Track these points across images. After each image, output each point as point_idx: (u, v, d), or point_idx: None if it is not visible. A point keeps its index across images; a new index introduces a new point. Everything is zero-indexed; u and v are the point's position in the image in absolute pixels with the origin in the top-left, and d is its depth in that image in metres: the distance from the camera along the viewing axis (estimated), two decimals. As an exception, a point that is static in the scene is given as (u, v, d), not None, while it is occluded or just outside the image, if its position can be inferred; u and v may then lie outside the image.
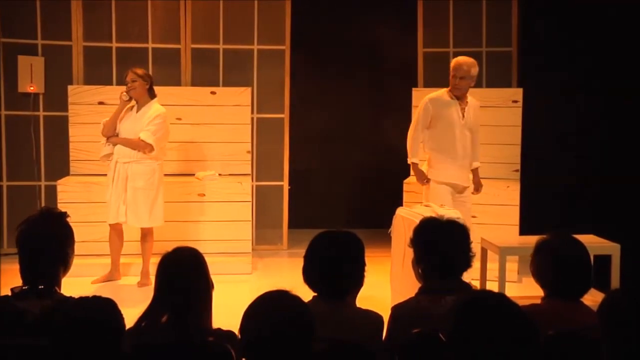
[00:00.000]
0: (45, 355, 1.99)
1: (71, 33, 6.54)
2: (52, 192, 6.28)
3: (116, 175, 5.43)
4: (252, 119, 6.68)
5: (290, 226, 6.94)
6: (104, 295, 2.13)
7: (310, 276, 2.58)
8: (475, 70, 5.13)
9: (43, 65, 6.49)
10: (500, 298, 1.98)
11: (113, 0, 6.56)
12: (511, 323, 1.89)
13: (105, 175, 5.60)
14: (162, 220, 5.59)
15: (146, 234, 5.58)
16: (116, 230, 5.56)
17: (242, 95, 6.50)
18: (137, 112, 5.48)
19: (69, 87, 6.36)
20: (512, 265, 5.34)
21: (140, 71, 5.50)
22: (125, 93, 5.45)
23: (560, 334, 2.39)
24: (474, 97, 5.39)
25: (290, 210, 6.92)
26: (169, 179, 6.28)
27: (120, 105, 5.48)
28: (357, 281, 2.61)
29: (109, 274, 5.60)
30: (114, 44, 6.63)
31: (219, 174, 6.36)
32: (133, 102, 5.49)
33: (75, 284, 5.16)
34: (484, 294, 2.08)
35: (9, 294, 2.54)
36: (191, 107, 6.48)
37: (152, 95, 5.50)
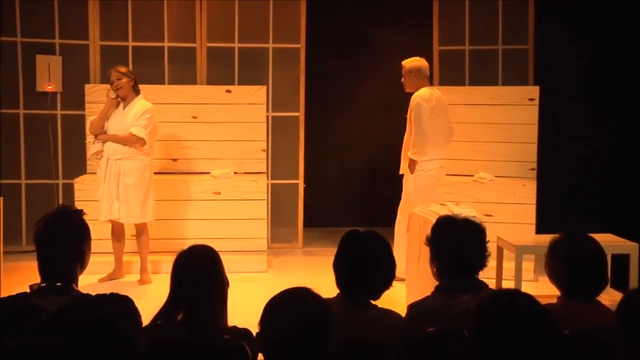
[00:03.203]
0: (63, 352, 2.00)
1: (88, 32, 6.59)
2: (69, 190, 6.33)
3: (108, 172, 5.45)
4: (267, 117, 6.69)
5: (305, 224, 6.94)
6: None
7: (340, 278, 2.56)
8: (409, 66, 5.62)
9: (61, 64, 6.54)
10: (525, 297, 1.97)
11: (129, -1, 6.61)
12: (535, 322, 1.88)
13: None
14: (153, 216, 5.61)
15: (141, 231, 5.60)
16: (117, 229, 5.61)
17: (257, 94, 6.51)
18: (123, 108, 5.51)
19: (86, 86, 6.41)
20: (528, 264, 5.31)
21: (123, 69, 5.53)
22: (112, 91, 5.48)
23: (576, 334, 2.37)
24: (487, 95, 5.80)
25: (305, 208, 6.92)
26: (185, 177, 6.31)
27: (107, 103, 5.51)
28: (386, 283, 2.60)
29: (112, 272, 5.65)
30: (130, 43, 6.67)
31: (234, 172, 6.38)
32: (119, 100, 5.52)
33: (90, 280, 5.25)
34: (509, 292, 2.07)
35: (28, 291, 2.56)
36: (206, 106, 6.50)
37: (137, 91, 5.53)
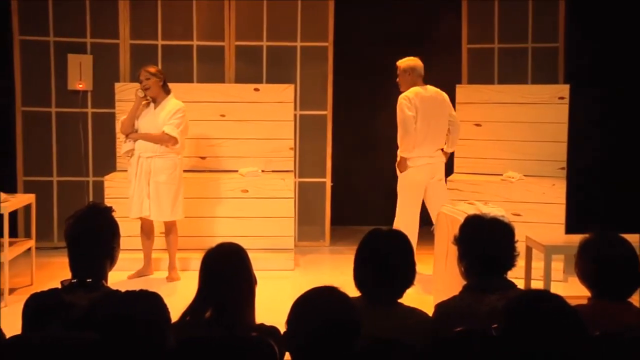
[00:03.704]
0: (93, 347, 2.03)
1: (119, 31, 6.66)
2: (99, 187, 6.41)
3: (139, 170, 5.50)
4: (295, 115, 6.71)
5: (332, 223, 6.94)
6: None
7: (360, 277, 2.56)
8: (404, 66, 5.72)
9: (91, 63, 6.62)
10: (553, 297, 1.96)
11: (159, -2, 6.68)
12: (564, 322, 1.86)
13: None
14: (182, 214, 5.66)
15: (170, 228, 5.65)
16: (146, 226, 5.66)
17: (285, 92, 6.53)
18: (155, 108, 5.55)
19: (116, 85, 6.48)
20: (557, 265, 5.26)
21: (152, 69, 5.57)
22: (140, 90, 5.52)
23: (607, 335, 2.34)
24: (516, 93, 6.03)
25: (333, 207, 6.93)
26: (213, 175, 6.35)
27: (136, 103, 5.56)
28: (408, 281, 2.59)
29: (142, 269, 5.70)
30: (160, 42, 6.73)
31: (262, 171, 6.40)
32: (148, 99, 5.56)
33: (119, 277, 5.31)
34: (537, 292, 2.05)
35: (59, 286, 2.60)
36: (235, 104, 6.54)
37: (167, 90, 5.57)
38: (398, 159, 5.70)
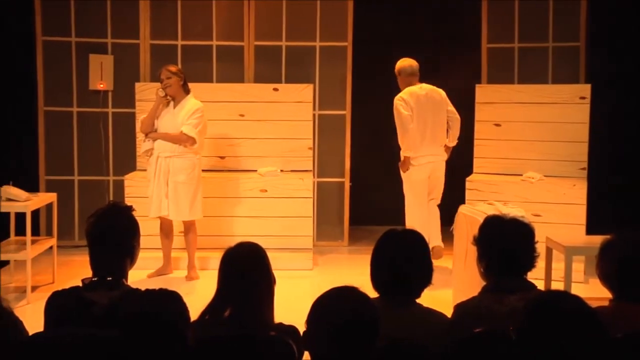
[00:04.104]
0: (113, 345, 2.05)
1: (139, 31, 6.71)
2: (119, 186, 6.45)
3: (157, 170, 5.53)
4: (314, 115, 6.71)
5: (351, 223, 6.94)
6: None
7: (378, 278, 2.56)
8: (396, 68, 5.90)
9: (112, 63, 6.67)
10: (572, 298, 1.94)
11: (179, -1, 6.71)
12: (582, 324, 1.85)
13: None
14: (201, 214, 5.68)
15: (189, 227, 5.67)
16: (165, 226, 5.69)
17: (304, 92, 6.54)
18: (174, 107, 5.58)
19: (137, 84, 6.52)
20: (578, 266, 5.21)
21: (173, 68, 5.60)
22: (161, 89, 5.55)
23: (628, 337, 2.32)
24: (536, 93, 6.12)
25: (351, 206, 6.92)
26: (232, 174, 6.37)
27: (156, 102, 5.59)
28: (425, 281, 2.58)
29: (161, 268, 5.74)
30: (180, 42, 6.76)
31: (281, 170, 6.42)
32: (169, 98, 5.58)
33: (139, 276, 5.35)
34: (556, 293, 2.04)
35: (80, 284, 2.63)
36: (254, 104, 6.55)
37: (186, 90, 5.59)
38: (401, 159, 5.83)
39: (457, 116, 5.95)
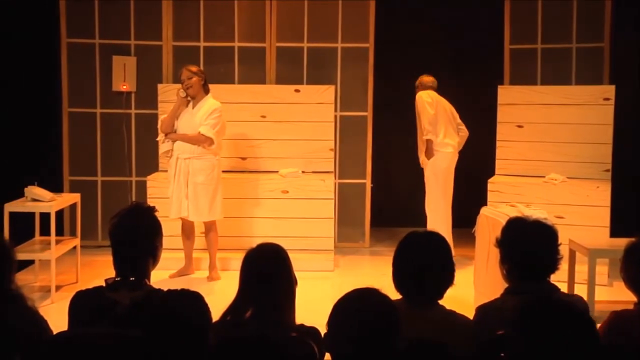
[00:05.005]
0: (135, 344, 2.06)
1: (162, 33, 6.75)
2: (142, 187, 6.50)
3: (177, 171, 5.55)
4: (336, 116, 6.71)
5: (372, 224, 6.93)
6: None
7: (400, 280, 2.55)
8: (420, 80, 6.33)
9: (135, 64, 6.73)
10: (566, 305, 1.93)
11: (201, 0, 6.74)
12: (573, 331, 1.84)
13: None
14: (221, 214, 5.69)
15: (210, 228, 5.69)
16: (186, 227, 5.71)
17: (325, 93, 6.54)
18: (193, 107, 5.59)
19: (159, 86, 6.57)
20: (602, 269, 5.16)
21: (194, 68, 5.62)
22: (182, 90, 5.57)
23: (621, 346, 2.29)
24: (559, 94, 6.18)
25: (373, 208, 6.91)
26: (253, 175, 6.39)
27: (177, 102, 5.61)
28: (448, 282, 2.57)
29: (183, 269, 5.76)
30: (202, 43, 6.80)
31: (302, 171, 6.42)
32: (189, 99, 5.60)
33: (161, 276, 5.38)
34: (549, 299, 2.02)
35: (103, 284, 2.65)
36: (275, 105, 6.57)
37: (206, 90, 5.61)
38: (423, 147, 6.04)
39: (467, 131, 6.28)
